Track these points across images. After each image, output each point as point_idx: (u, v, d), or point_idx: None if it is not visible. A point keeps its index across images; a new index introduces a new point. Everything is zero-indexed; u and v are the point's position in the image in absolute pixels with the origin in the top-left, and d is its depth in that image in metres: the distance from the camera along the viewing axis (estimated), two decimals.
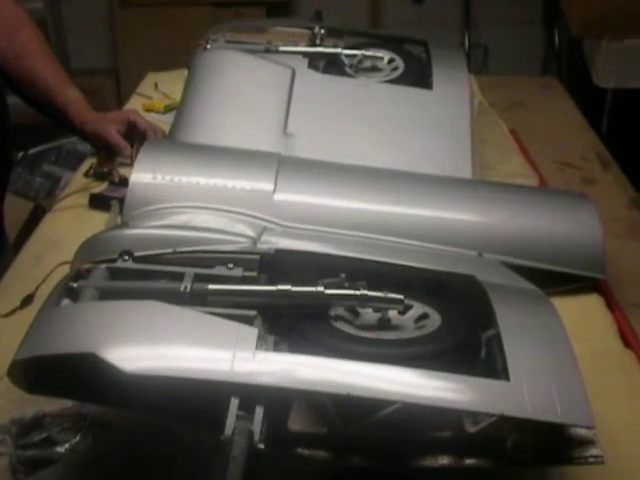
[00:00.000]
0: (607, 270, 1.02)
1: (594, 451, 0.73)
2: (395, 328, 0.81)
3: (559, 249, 1.02)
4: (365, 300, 0.80)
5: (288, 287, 0.79)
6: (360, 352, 0.74)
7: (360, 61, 1.37)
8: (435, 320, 0.81)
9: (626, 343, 0.97)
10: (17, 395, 0.79)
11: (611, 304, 1.04)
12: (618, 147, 1.66)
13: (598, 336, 0.97)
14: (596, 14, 2.42)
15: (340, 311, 0.83)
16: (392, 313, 0.82)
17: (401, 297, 0.80)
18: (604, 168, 1.53)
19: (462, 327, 0.80)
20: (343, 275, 0.83)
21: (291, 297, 0.80)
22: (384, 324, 0.82)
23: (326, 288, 0.80)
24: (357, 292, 0.80)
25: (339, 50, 1.37)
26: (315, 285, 0.80)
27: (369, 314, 0.83)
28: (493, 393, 0.70)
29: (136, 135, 1.37)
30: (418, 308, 0.84)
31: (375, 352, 0.75)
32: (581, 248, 1.02)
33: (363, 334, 0.79)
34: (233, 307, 0.79)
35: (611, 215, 1.29)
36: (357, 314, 0.84)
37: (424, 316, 0.83)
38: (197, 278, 0.81)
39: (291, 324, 0.80)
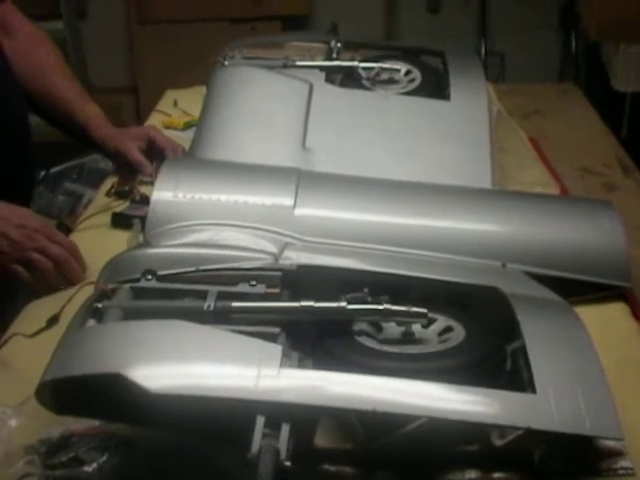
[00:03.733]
0: (632, 278, 1.01)
1: (624, 463, 0.73)
2: (419, 342, 0.81)
3: (583, 258, 1.01)
4: (388, 315, 0.80)
5: (311, 303, 0.79)
6: (384, 367, 0.74)
7: (377, 74, 1.37)
8: (459, 333, 0.81)
9: None
10: (44, 415, 0.79)
11: (637, 312, 1.02)
12: (638, 151, 1.65)
13: (624, 345, 0.96)
14: (613, 19, 2.41)
15: (363, 326, 0.83)
16: (416, 327, 0.82)
17: (424, 311, 0.80)
18: (625, 174, 1.52)
19: (486, 339, 0.80)
20: (366, 290, 0.83)
21: (314, 313, 0.80)
22: (408, 338, 0.82)
23: (349, 303, 0.80)
24: (380, 307, 0.80)
25: (356, 63, 1.37)
26: (338, 300, 0.80)
27: (392, 328, 0.83)
28: (519, 406, 0.69)
29: (155, 152, 1.38)
30: (442, 321, 0.84)
31: (399, 367, 0.75)
32: (605, 256, 1.01)
33: (387, 348, 0.79)
34: (257, 324, 0.79)
35: (634, 221, 1.27)
36: (380, 328, 0.84)
37: (448, 329, 0.83)
38: (220, 296, 0.81)
39: (315, 340, 0.80)
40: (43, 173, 2.41)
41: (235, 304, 0.80)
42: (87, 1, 3.34)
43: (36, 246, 1.08)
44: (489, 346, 0.78)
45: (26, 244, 1.08)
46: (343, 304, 0.79)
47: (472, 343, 0.79)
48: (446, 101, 1.30)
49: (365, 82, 1.36)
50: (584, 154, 1.57)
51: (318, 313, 0.80)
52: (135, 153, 1.36)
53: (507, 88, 1.89)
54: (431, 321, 0.83)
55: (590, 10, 2.59)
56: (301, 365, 0.75)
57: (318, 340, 0.80)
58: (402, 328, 0.82)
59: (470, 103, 1.30)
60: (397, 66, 1.38)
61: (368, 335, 0.82)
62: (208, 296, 0.81)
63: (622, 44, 2.45)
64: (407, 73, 1.39)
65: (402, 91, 1.35)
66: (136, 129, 1.46)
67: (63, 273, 1.10)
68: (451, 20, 3.34)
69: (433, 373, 0.73)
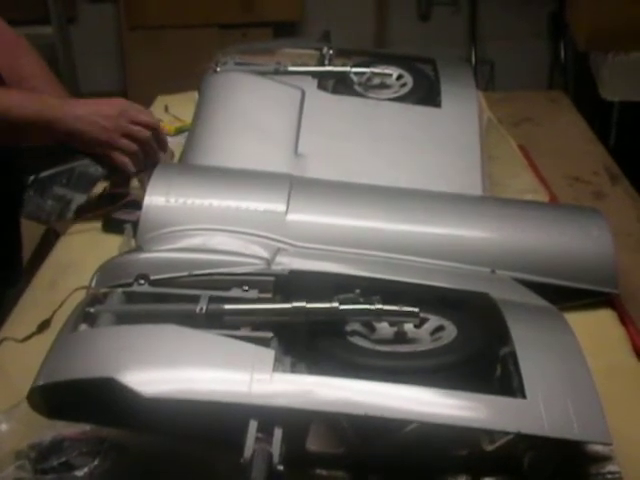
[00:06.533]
0: (619, 284, 1.02)
1: (611, 467, 0.73)
2: (411, 341, 0.82)
3: (571, 264, 1.02)
4: (380, 314, 0.81)
5: (303, 304, 0.80)
6: (376, 366, 0.75)
7: (369, 79, 1.38)
8: (451, 332, 0.82)
9: None
10: (35, 419, 0.79)
11: (624, 318, 1.03)
12: (626, 160, 1.66)
13: (612, 351, 0.97)
14: (601, 28, 2.43)
15: (356, 326, 0.83)
16: (408, 327, 0.83)
17: (416, 310, 0.80)
18: (613, 182, 1.53)
19: (478, 338, 0.80)
20: (358, 291, 0.83)
21: (306, 314, 0.80)
22: (400, 338, 0.82)
23: (341, 304, 0.80)
24: (372, 307, 0.80)
25: (348, 68, 1.38)
26: (330, 301, 0.81)
27: (385, 328, 0.84)
28: (509, 411, 0.70)
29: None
30: (434, 321, 0.84)
31: (391, 365, 0.76)
32: (593, 263, 1.02)
33: (379, 348, 0.80)
34: (249, 326, 0.79)
35: (622, 229, 1.29)
36: (373, 329, 0.84)
37: (440, 328, 0.83)
38: (213, 300, 0.82)
39: (307, 344, 0.81)
40: (32, 178, 2.40)
41: (227, 306, 0.80)
42: (77, 6, 3.34)
43: (123, 132, 1.22)
44: (480, 344, 0.79)
45: (114, 132, 1.21)
46: (335, 304, 0.80)
47: (464, 341, 0.79)
48: (437, 108, 1.31)
49: (357, 87, 1.36)
50: (573, 162, 1.59)
51: (310, 314, 0.80)
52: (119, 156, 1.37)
53: (497, 96, 1.90)
54: (423, 321, 0.83)
55: (578, 20, 2.61)
56: (294, 370, 0.76)
57: (310, 341, 0.80)
58: (395, 328, 0.83)
59: (461, 111, 1.31)
60: (389, 71, 1.39)
61: (361, 335, 0.82)
62: (200, 300, 0.81)
63: (610, 53, 2.47)
64: (399, 78, 1.39)
65: (394, 96, 1.36)
66: None
67: (145, 153, 1.24)
68: (441, 28, 3.36)
69: (425, 371, 0.74)
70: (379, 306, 0.80)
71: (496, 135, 1.48)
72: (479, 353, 0.78)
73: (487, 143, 1.33)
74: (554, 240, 1.03)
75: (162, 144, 1.29)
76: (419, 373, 0.73)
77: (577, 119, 1.81)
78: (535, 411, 0.69)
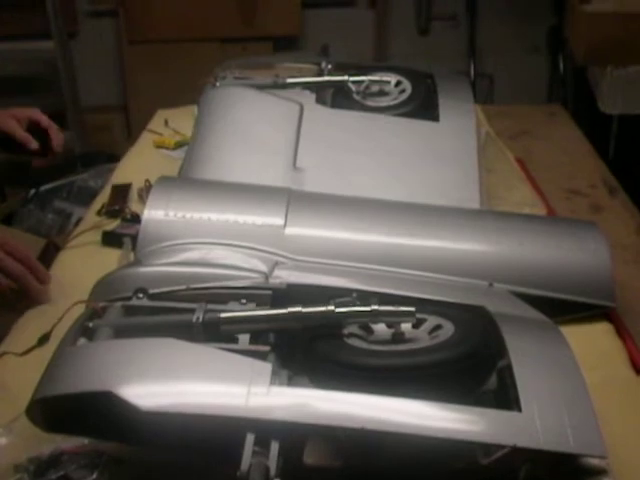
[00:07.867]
0: (617, 297, 1.03)
1: None
2: (409, 341, 0.82)
3: (569, 278, 1.02)
4: (377, 315, 0.81)
5: (299, 308, 0.80)
6: (370, 364, 0.76)
7: (367, 87, 1.38)
8: (448, 330, 0.82)
9: (637, 371, 0.98)
10: (34, 433, 0.79)
11: (621, 332, 1.04)
12: (625, 173, 1.67)
13: (609, 364, 0.98)
14: (599, 42, 2.44)
15: (353, 329, 0.83)
16: (406, 327, 0.83)
17: (412, 309, 0.81)
18: (611, 195, 1.54)
19: (475, 334, 0.80)
20: (354, 294, 0.84)
21: (302, 318, 0.80)
22: (398, 338, 0.82)
23: (337, 307, 0.80)
24: (368, 308, 0.80)
25: (346, 77, 1.38)
26: (326, 305, 0.81)
27: (383, 330, 0.84)
28: (505, 424, 0.70)
29: (40, 132, 1.41)
30: (431, 320, 0.84)
31: (387, 363, 0.76)
32: (590, 276, 1.02)
33: (375, 348, 0.80)
34: (247, 334, 0.80)
35: (619, 242, 1.30)
36: (371, 331, 0.84)
37: (438, 327, 0.83)
38: (209, 313, 0.82)
39: (305, 350, 0.81)
40: (33, 191, 2.41)
41: (224, 315, 0.81)
42: (78, 21, 3.35)
43: None
44: (477, 339, 0.79)
45: None
46: (331, 307, 0.80)
47: (461, 337, 0.79)
48: (435, 122, 1.32)
49: (355, 96, 1.37)
50: (571, 175, 1.59)
51: (306, 318, 0.80)
52: (19, 131, 1.39)
53: (496, 110, 1.91)
54: (421, 321, 0.83)
55: (577, 34, 2.62)
56: (291, 383, 0.76)
57: (308, 348, 0.81)
58: (392, 329, 0.83)
59: (458, 125, 1.32)
60: (387, 78, 1.39)
61: (358, 337, 0.82)
62: (197, 310, 0.82)
63: (609, 67, 2.48)
64: (397, 84, 1.40)
65: (393, 103, 1.37)
66: (18, 110, 1.45)
67: (20, 288, 1.09)
68: (440, 42, 3.37)
69: (422, 368, 0.75)
70: (375, 307, 0.80)
71: (494, 148, 1.49)
72: (476, 349, 0.78)
73: (485, 156, 1.34)
74: (551, 253, 1.04)
75: (42, 276, 1.13)
76: (416, 371, 0.73)
77: (575, 132, 1.82)
78: (531, 424, 0.69)
